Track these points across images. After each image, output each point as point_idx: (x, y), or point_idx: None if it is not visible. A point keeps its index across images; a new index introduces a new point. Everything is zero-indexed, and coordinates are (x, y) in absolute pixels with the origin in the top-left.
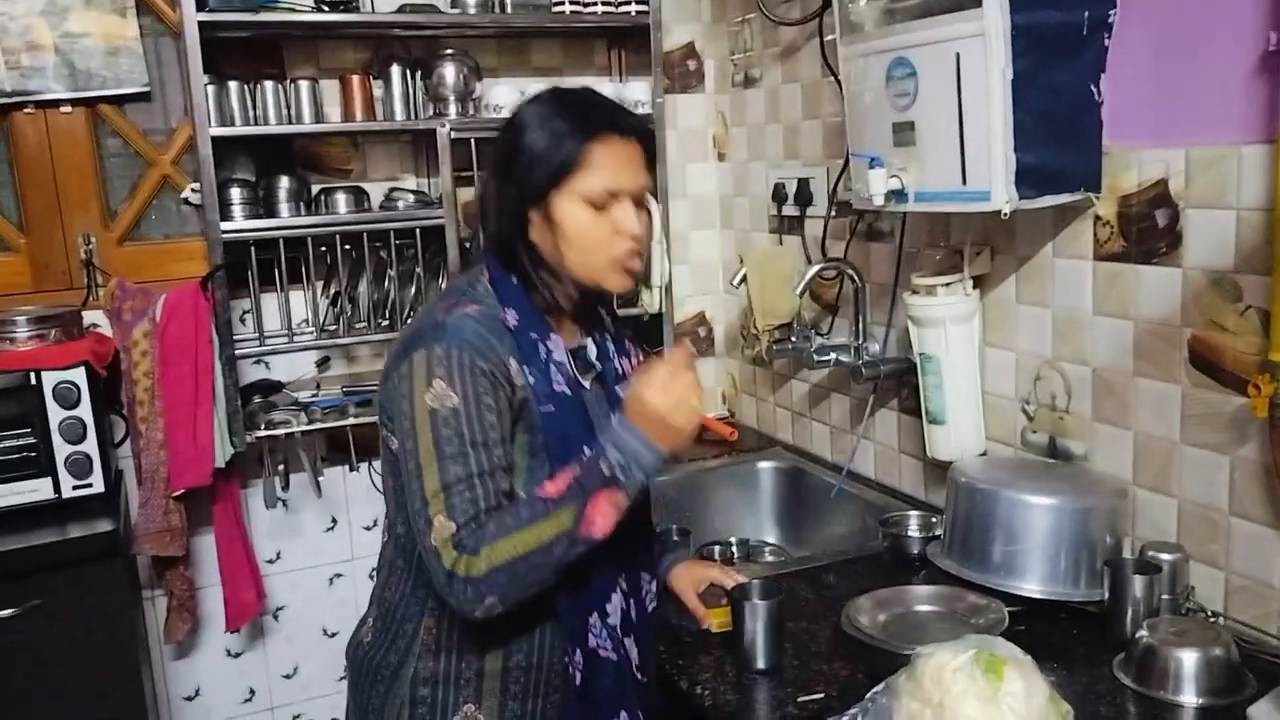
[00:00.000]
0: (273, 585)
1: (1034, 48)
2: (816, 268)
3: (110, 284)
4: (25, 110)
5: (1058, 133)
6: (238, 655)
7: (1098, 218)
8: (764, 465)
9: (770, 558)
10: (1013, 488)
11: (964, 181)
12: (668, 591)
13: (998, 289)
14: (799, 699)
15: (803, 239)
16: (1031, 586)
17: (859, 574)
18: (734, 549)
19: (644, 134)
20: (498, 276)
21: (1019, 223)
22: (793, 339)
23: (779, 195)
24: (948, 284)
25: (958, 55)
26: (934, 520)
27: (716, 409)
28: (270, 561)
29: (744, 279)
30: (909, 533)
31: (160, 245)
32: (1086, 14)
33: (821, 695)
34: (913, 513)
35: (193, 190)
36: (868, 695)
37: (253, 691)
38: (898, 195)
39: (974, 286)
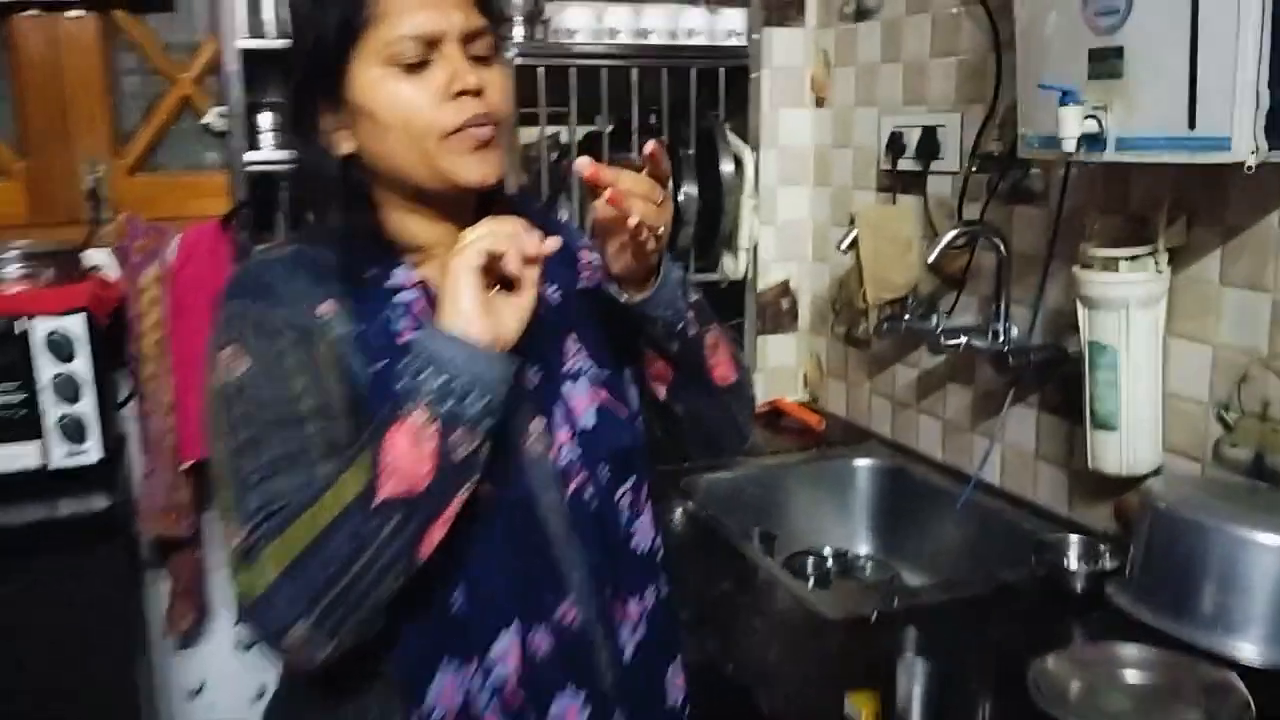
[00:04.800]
0: None
1: None
2: (953, 231)
3: (118, 219)
4: (28, 13)
5: None
6: (250, 647)
7: None
8: (860, 464)
9: (870, 573)
10: (1235, 521)
11: (1191, 125)
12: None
13: (1192, 266)
14: None
15: (924, 198)
16: (1250, 650)
17: (1014, 611)
18: (830, 561)
19: None
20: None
21: (1234, 184)
22: (907, 316)
23: (895, 147)
24: (1133, 257)
25: None
26: (1102, 548)
27: (797, 393)
28: None
29: (854, 243)
30: (1069, 563)
31: (178, 177)
32: None
33: None
34: (1072, 537)
35: (217, 114)
36: None
37: (265, 689)
38: (1092, 141)
39: (1168, 262)
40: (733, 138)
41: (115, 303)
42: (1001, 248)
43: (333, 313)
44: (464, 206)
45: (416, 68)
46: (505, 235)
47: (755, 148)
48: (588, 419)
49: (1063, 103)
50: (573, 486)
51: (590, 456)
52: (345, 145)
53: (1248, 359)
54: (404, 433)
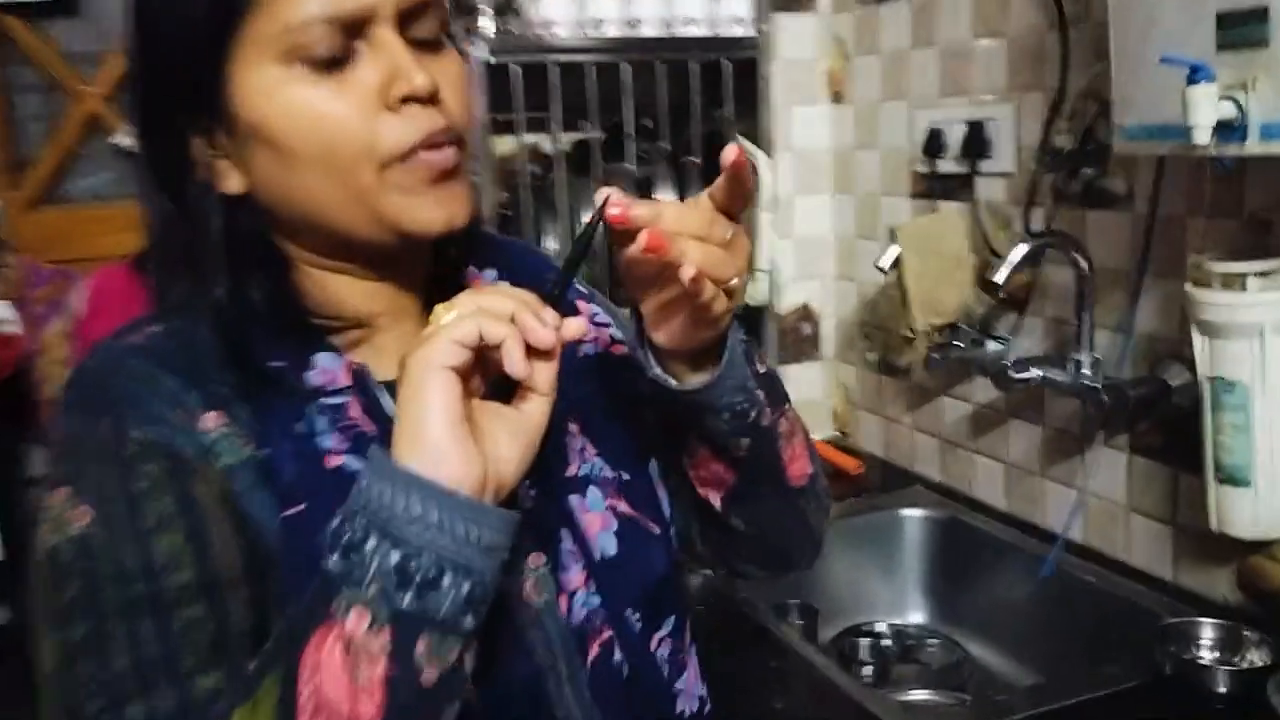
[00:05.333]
0: None
1: None
2: (1026, 245)
3: (14, 264)
4: None
5: None
6: None
7: None
8: (909, 515)
9: (935, 653)
10: None
11: None
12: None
13: None
14: None
15: (973, 205)
16: None
17: None
18: (885, 641)
19: None
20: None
21: None
22: (959, 343)
23: (933, 146)
24: (1265, 273)
25: None
26: (1247, 635)
27: (825, 430)
28: None
29: (895, 261)
30: (1200, 654)
31: (89, 209)
32: None
33: None
34: (1206, 621)
35: (128, 133)
36: None
37: None
38: (1226, 130)
39: None
40: (744, 143)
41: (15, 364)
42: (1082, 262)
43: (221, 428)
44: (415, 259)
45: (334, 65)
46: (499, 314)
47: (770, 153)
48: (606, 545)
49: (1193, 80)
50: (595, 650)
51: (615, 601)
52: (231, 181)
53: None
54: (333, 647)
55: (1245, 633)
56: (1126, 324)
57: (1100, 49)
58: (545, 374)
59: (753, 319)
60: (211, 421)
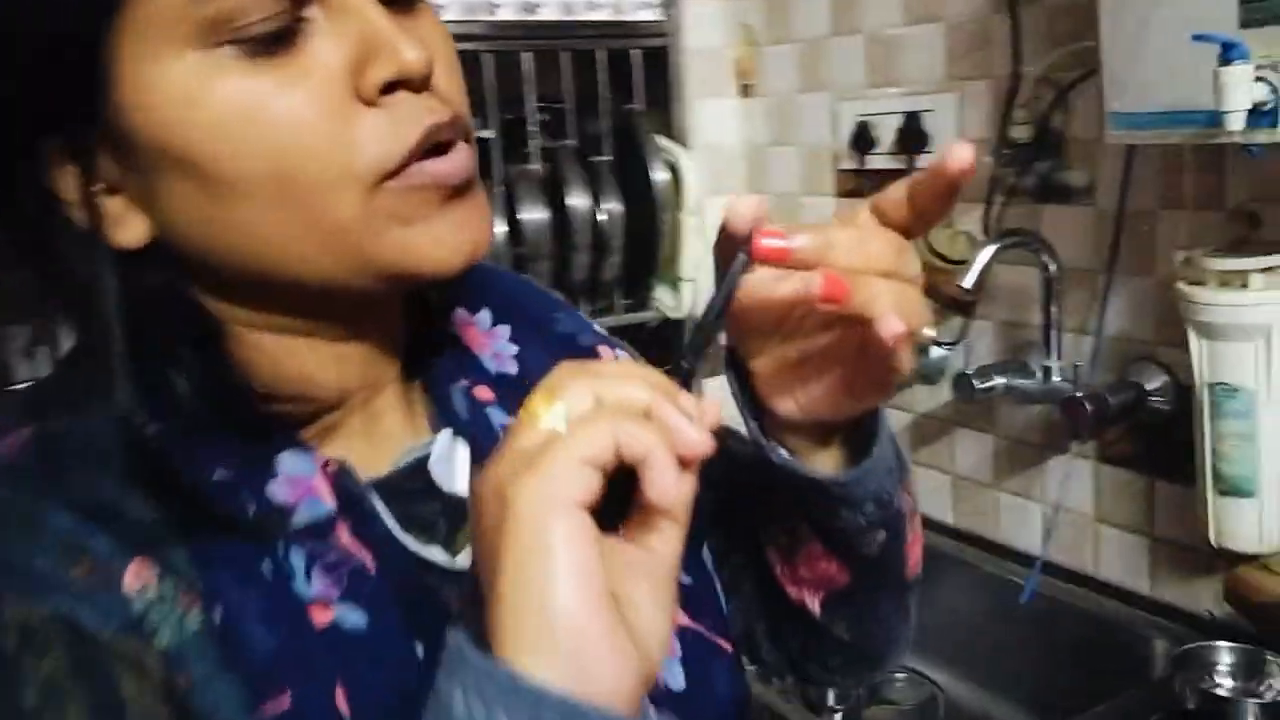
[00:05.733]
0: None
1: None
2: (995, 245)
3: None
4: None
5: None
6: None
7: None
8: None
9: (900, 682)
10: None
11: None
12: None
13: None
14: None
15: None
16: None
17: None
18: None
19: None
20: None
21: None
22: None
23: (862, 141)
24: (1269, 269)
25: None
26: (1269, 658)
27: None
28: None
29: None
30: (1218, 681)
31: None
32: None
33: None
34: (1222, 645)
35: None
36: None
37: None
38: (1259, 115)
39: None
40: (661, 139)
41: None
42: (1050, 262)
43: (150, 585)
44: (392, 305)
45: (278, 43)
46: (634, 409)
47: (685, 149)
48: (673, 676)
49: (1227, 60)
50: None
51: None
52: (129, 229)
53: None
54: None
55: (1268, 657)
56: (1094, 326)
57: (1055, 32)
58: (684, 493)
59: (665, 333)
60: (135, 577)
